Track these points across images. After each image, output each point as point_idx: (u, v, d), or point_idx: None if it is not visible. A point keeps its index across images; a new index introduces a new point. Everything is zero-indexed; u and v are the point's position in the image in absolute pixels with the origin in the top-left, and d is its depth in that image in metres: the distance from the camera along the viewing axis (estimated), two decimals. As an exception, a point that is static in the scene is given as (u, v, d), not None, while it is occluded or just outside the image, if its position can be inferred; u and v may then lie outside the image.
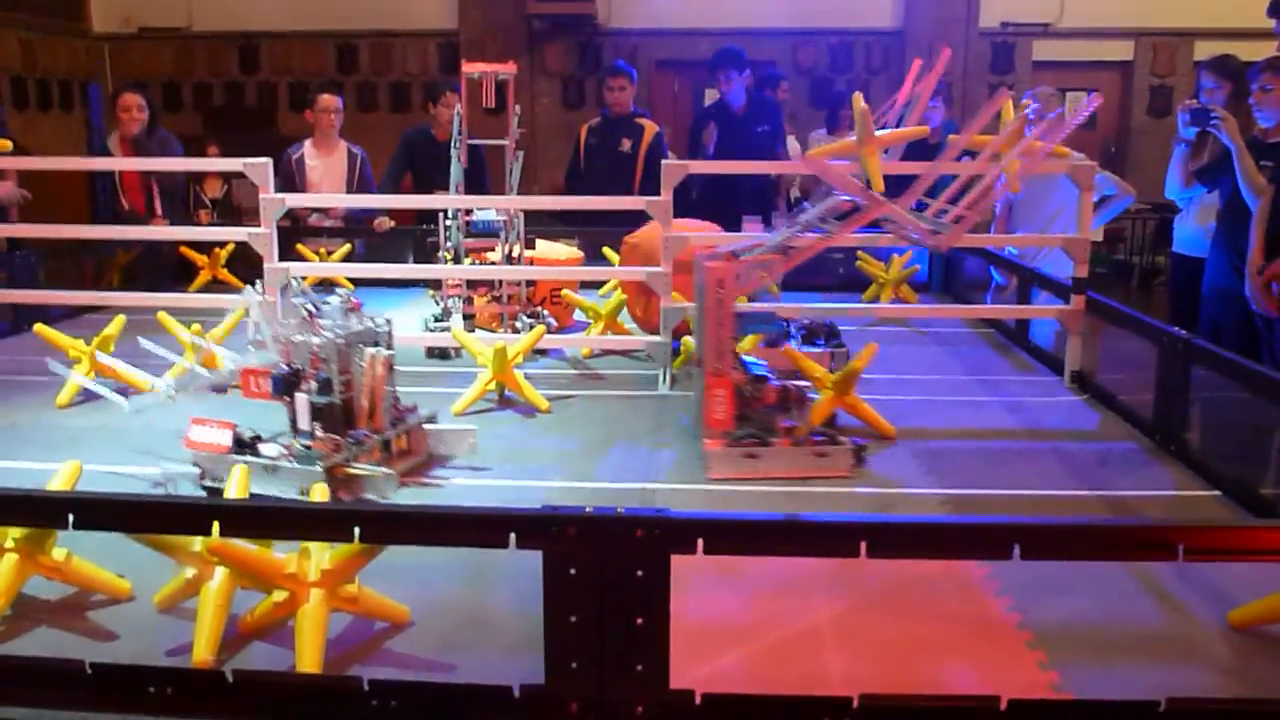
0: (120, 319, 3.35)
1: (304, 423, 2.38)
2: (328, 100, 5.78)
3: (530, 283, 4.04)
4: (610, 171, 5.93)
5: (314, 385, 2.39)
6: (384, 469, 2.35)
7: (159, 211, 5.17)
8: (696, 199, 6.76)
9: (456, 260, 3.86)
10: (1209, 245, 4.71)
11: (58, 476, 1.94)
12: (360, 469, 2.32)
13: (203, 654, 1.60)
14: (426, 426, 2.64)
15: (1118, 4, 11.19)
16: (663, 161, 3.43)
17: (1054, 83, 9.65)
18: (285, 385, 2.40)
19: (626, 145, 5.98)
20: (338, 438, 2.35)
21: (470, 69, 3.79)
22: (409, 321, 4.53)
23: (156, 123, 5.66)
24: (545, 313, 4.00)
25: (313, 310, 2.49)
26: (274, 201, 3.49)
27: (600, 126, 6.14)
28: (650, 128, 6.05)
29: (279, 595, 1.67)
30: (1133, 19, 11.29)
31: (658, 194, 3.38)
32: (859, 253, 4.82)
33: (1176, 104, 10.87)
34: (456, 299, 3.94)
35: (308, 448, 2.32)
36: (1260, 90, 4.24)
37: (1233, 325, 4.38)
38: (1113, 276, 11.16)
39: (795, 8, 11.25)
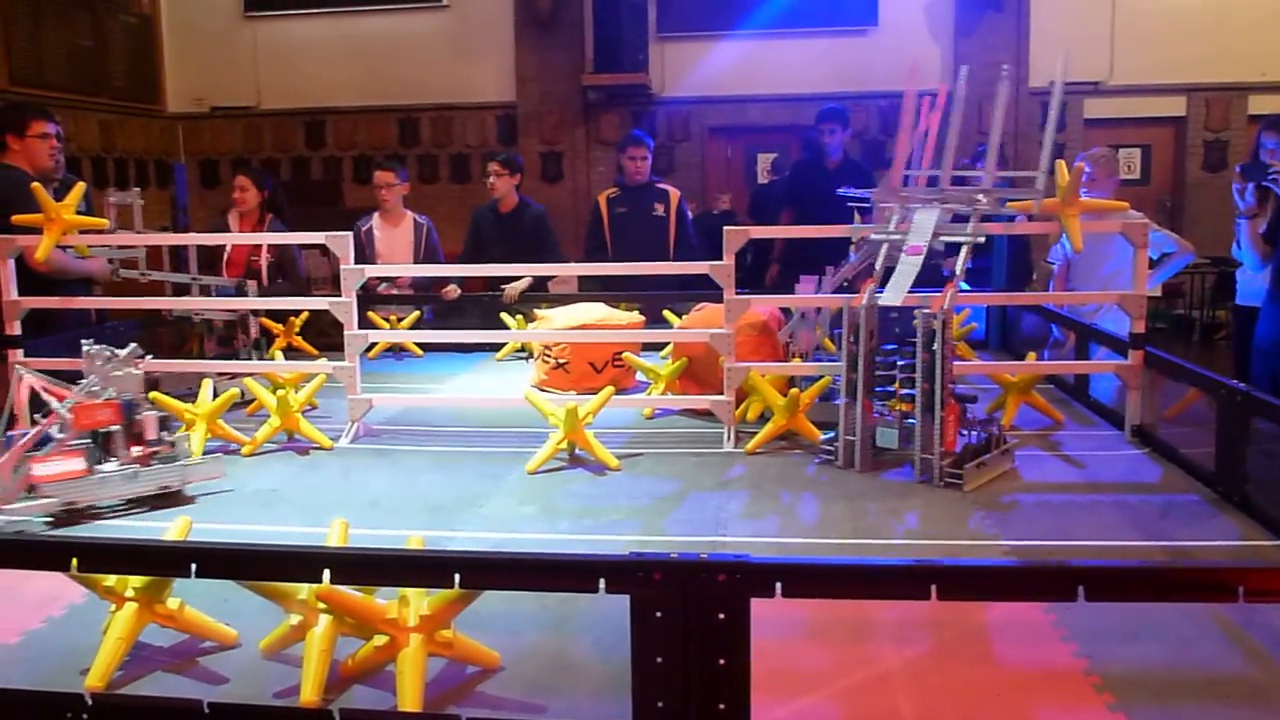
0: (206, 383, 3.53)
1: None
2: (378, 176, 6.07)
3: None
4: (645, 237, 6.04)
5: None
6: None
7: (265, 284, 5.40)
8: (779, 258, 7.04)
9: None
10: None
11: (170, 531, 2.08)
12: None
13: (310, 695, 1.71)
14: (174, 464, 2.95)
15: (1168, 60, 11.23)
16: (725, 228, 3.55)
17: (1106, 140, 9.71)
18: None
19: (660, 209, 6.10)
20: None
21: None
22: (472, 384, 4.70)
23: (277, 201, 5.89)
24: None
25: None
26: (354, 272, 3.67)
27: (623, 196, 6.20)
28: (674, 193, 6.18)
29: (379, 640, 1.77)
30: (1184, 75, 11.30)
31: (691, 257, 3.48)
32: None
33: (1231, 158, 10.88)
34: None
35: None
36: None
37: None
38: (1173, 332, 11.07)
39: (844, 73, 11.45)
